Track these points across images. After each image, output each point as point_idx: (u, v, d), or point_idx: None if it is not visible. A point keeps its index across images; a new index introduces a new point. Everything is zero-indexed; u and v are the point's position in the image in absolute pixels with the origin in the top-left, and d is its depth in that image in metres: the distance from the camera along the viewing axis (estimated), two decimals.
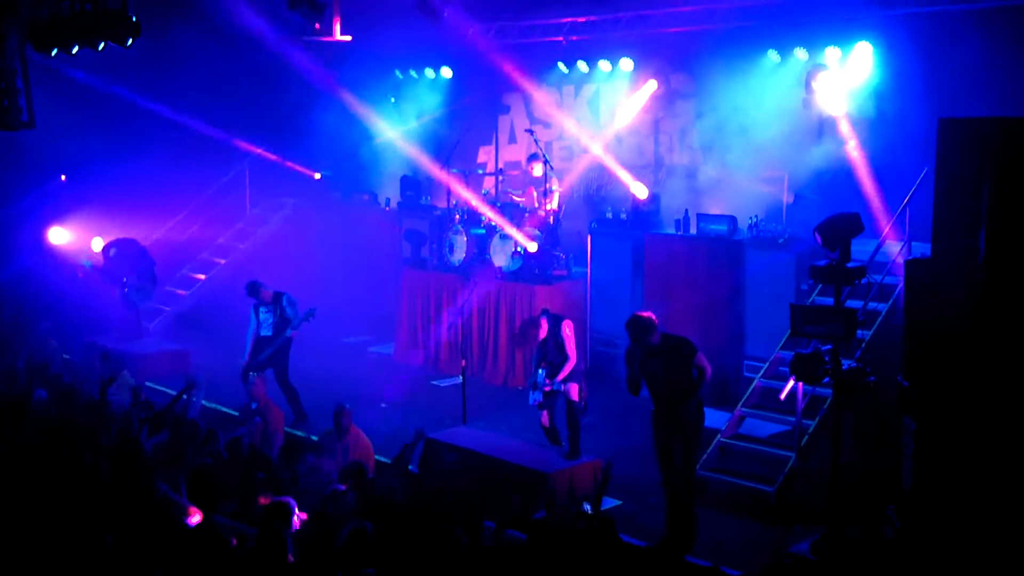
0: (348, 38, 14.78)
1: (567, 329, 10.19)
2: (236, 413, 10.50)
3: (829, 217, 8.40)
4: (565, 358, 10.14)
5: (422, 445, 9.72)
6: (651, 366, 8.57)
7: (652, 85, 14.78)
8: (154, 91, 16.40)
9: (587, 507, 8.34)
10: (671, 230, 13.16)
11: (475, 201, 14.28)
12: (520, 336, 10.79)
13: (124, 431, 8.91)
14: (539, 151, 14.15)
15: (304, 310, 12.02)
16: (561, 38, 15.63)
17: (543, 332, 10.29)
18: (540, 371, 10.26)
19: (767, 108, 13.12)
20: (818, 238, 8.31)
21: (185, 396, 10.10)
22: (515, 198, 14.71)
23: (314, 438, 10.18)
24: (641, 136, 15.47)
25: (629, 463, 9.87)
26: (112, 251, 15.08)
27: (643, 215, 13.59)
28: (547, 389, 10.19)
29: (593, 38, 15.43)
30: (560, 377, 10.11)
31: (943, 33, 11.85)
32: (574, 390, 10.13)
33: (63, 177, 16.77)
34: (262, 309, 12.08)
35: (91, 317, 15.30)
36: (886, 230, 10.81)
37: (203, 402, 11.24)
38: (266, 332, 12.03)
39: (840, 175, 12.23)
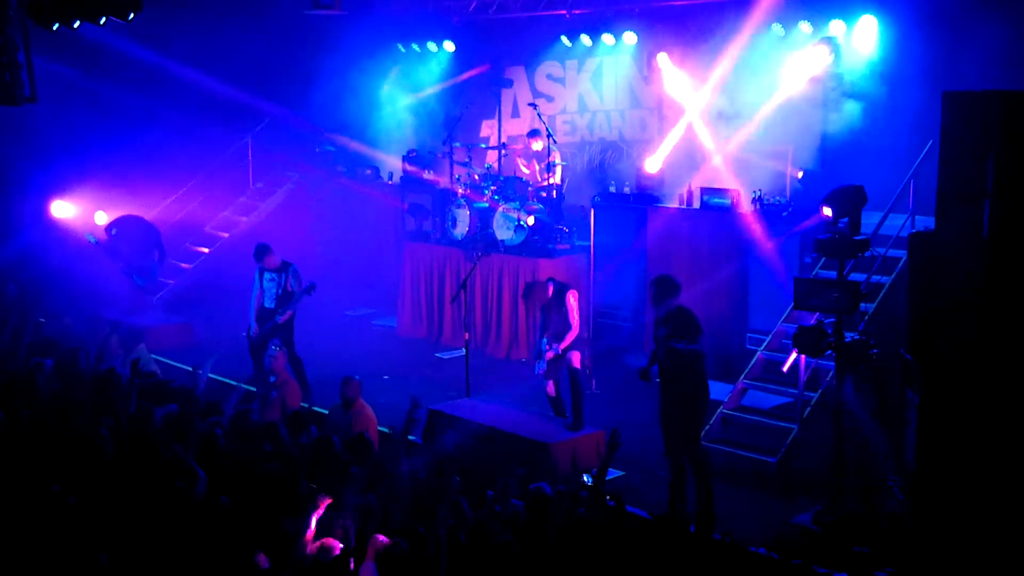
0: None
1: (571, 299, 10.21)
2: (244, 385, 10.48)
3: (833, 190, 8.42)
4: (567, 327, 10.15)
5: (425, 417, 9.76)
6: (660, 332, 8.60)
7: (665, 58, 14.62)
8: (157, 66, 16.34)
9: (587, 478, 8.41)
10: (675, 204, 13.16)
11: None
12: (526, 293, 10.78)
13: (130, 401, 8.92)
14: (542, 125, 14.11)
15: (305, 284, 11.98)
16: (564, 11, 15.54)
17: (548, 295, 10.32)
18: (543, 340, 10.30)
19: (771, 82, 13.06)
20: (823, 211, 8.31)
21: (191, 369, 10.09)
22: (523, 167, 14.69)
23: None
24: (644, 110, 15.43)
25: (633, 434, 9.89)
26: (113, 230, 15.10)
27: (647, 189, 13.57)
28: (550, 356, 10.21)
29: (596, 11, 15.32)
30: (563, 346, 10.12)
31: (949, 5, 11.79)
32: (576, 358, 10.15)
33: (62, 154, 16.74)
34: (267, 275, 11.96)
35: (95, 290, 15.30)
36: (890, 203, 10.80)
37: (209, 374, 11.26)
38: (269, 304, 11.90)
39: (845, 149, 12.20)
